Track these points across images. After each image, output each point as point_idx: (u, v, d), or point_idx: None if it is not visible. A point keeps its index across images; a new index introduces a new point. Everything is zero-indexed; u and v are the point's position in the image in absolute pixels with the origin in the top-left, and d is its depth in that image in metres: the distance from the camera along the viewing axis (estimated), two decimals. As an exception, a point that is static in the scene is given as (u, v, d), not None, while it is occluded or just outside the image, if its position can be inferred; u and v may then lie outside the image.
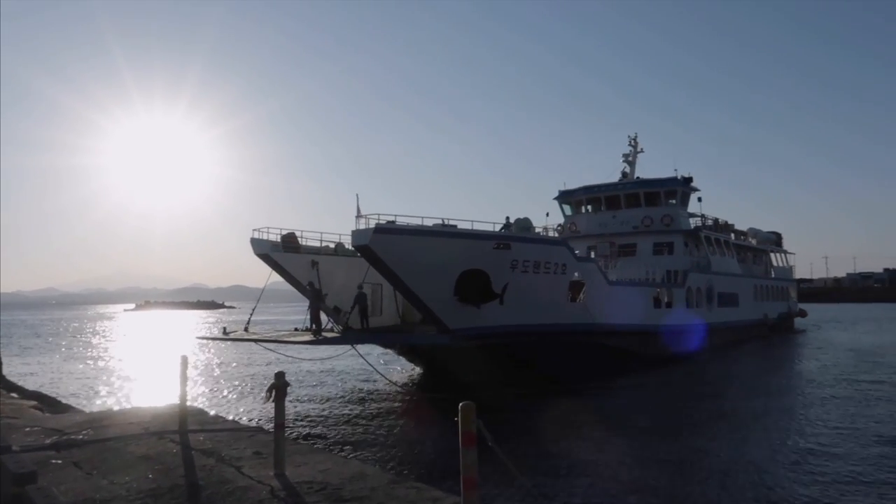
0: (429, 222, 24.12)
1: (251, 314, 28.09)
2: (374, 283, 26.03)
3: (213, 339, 27.38)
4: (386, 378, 24.23)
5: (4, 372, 26.08)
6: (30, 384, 27.44)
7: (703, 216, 45.25)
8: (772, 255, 58.86)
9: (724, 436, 17.58)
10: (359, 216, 22.95)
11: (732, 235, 51.03)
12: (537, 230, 27.69)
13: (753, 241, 54.92)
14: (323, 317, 26.46)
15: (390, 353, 32.83)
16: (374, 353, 35.81)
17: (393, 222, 22.60)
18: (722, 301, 41.75)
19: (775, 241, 59.72)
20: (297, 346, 23.03)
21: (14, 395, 18.76)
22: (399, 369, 32.25)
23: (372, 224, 22.22)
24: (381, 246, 22.03)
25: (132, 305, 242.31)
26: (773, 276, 56.68)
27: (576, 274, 28.34)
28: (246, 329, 26.10)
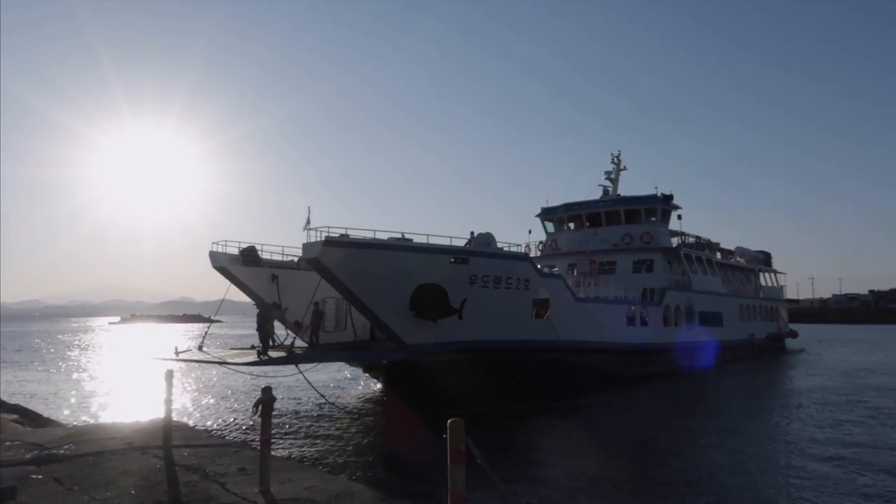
0: (399, 236, 23.73)
1: (206, 332, 27.11)
2: (339, 297, 25.62)
3: (164, 359, 26.51)
4: (329, 401, 23.40)
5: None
6: (10, 397, 27.01)
7: (683, 234, 45.30)
8: (761, 274, 58.98)
9: (703, 453, 17.60)
10: (307, 228, 22.28)
11: (718, 254, 51.06)
12: (501, 246, 27.20)
13: (742, 261, 55.07)
14: (280, 332, 25.69)
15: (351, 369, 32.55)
16: (336, 369, 35.09)
17: (346, 235, 22.23)
18: (703, 320, 41.46)
19: (764, 260, 59.77)
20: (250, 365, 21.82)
21: (-6, 408, 18.44)
22: (360, 387, 31.95)
23: (322, 237, 21.75)
24: (332, 259, 21.64)
25: (117, 318, 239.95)
26: (761, 295, 56.80)
27: (542, 290, 28.18)
28: (200, 348, 25.30)
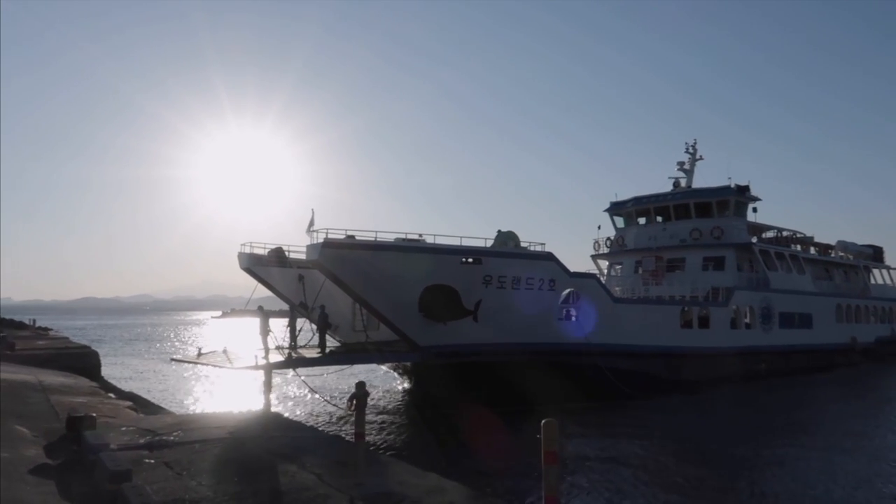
0: (416, 237, 23.37)
1: (229, 335, 26.14)
2: None
3: (183, 361, 27.11)
4: (331, 403, 22.63)
5: (102, 373, 27.74)
6: (125, 385, 29.01)
7: (765, 227, 41.92)
8: (874, 271, 54.46)
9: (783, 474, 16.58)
10: (311, 230, 22.02)
11: (813, 249, 47.65)
12: (525, 245, 25.75)
13: (847, 257, 51.11)
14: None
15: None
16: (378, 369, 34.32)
17: (352, 237, 22.01)
18: (786, 322, 38.17)
19: (873, 255, 55.16)
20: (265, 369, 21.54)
21: (111, 395, 19.83)
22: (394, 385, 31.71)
23: (322, 239, 21.50)
24: (333, 261, 21.52)
25: (219, 313, 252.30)
26: (871, 294, 52.40)
27: (569, 290, 26.96)
28: (224, 350, 25.19)
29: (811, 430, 21.49)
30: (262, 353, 21.46)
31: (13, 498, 7.34)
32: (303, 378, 20.32)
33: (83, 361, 25.92)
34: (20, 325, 54.28)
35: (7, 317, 61.18)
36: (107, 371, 30.26)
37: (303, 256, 26.27)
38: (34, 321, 61.12)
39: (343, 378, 29.37)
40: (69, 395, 16.21)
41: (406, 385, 30.64)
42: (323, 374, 25.18)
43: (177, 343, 73.15)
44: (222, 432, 11.52)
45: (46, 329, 54.86)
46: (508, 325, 24.32)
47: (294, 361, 21.50)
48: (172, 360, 29.21)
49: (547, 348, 25.30)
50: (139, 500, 7.13)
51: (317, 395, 21.35)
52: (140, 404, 19.87)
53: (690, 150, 43.08)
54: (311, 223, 22.57)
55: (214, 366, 22.23)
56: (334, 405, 20.15)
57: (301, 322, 25.39)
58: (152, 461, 9.39)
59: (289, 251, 26.88)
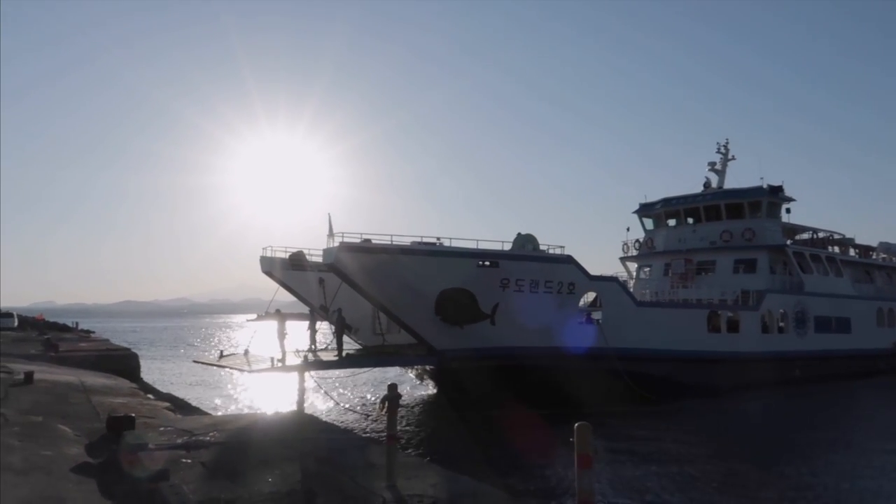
0: (434, 241, 23.37)
1: (252, 337, 26.69)
2: None
3: (205, 363, 27.50)
4: (347, 407, 22.43)
5: (141, 374, 28.34)
6: (163, 386, 29.56)
7: (801, 228, 40.97)
8: None
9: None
10: (330, 235, 22.37)
11: (852, 251, 46.11)
12: (544, 248, 25.41)
13: (892, 258, 49.50)
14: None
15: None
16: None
17: (368, 241, 22.15)
18: (821, 327, 37.12)
19: None
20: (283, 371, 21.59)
21: (150, 396, 20.22)
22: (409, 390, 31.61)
23: (338, 242, 21.71)
24: (349, 264, 21.67)
25: (254, 316, 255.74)
26: None
27: (590, 294, 26.48)
28: (245, 353, 25.59)
29: (846, 437, 20.90)
30: (280, 356, 21.82)
31: (57, 495, 7.53)
32: (316, 380, 20.51)
33: (123, 363, 26.53)
34: (64, 328, 55.86)
35: (51, 320, 62.95)
36: (145, 372, 30.88)
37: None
38: (77, 324, 62.78)
39: (361, 380, 29.49)
40: (110, 396, 16.58)
41: (426, 387, 30.70)
42: (347, 377, 25.42)
43: (210, 344, 74.42)
44: (257, 433, 11.67)
45: (89, 332, 56.29)
46: (526, 329, 24.21)
47: (310, 364, 21.78)
48: (195, 361, 29.80)
49: (565, 352, 25.01)
50: (176, 500, 7.26)
51: (328, 396, 21.55)
52: (178, 405, 20.21)
53: (722, 150, 42.10)
54: (330, 227, 22.94)
55: (233, 368, 22.66)
56: (338, 403, 20.22)
57: (321, 325, 25.75)
58: (189, 461, 9.54)
59: (310, 255, 27.18)
